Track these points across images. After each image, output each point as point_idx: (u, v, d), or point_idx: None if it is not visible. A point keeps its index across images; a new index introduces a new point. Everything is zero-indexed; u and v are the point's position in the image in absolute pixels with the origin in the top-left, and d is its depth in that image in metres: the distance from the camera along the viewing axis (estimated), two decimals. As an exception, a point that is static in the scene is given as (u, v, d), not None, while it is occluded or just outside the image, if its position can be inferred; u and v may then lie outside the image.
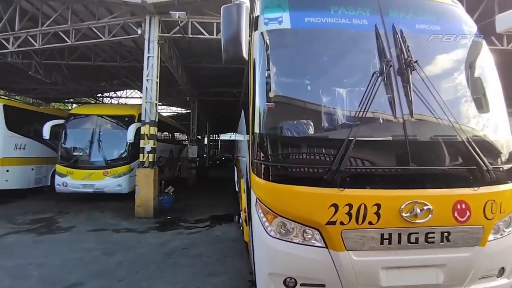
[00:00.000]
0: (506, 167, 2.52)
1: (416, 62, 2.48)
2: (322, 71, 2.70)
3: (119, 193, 8.98)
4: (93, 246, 4.97)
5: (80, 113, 9.99)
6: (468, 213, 2.32)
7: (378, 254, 2.27)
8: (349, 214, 2.21)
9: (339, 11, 2.72)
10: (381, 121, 2.46)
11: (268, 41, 2.61)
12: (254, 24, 2.80)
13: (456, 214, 2.30)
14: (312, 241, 2.28)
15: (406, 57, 2.51)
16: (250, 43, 2.77)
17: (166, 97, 16.74)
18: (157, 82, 7.42)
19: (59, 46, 8.52)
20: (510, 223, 2.55)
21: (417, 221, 2.23)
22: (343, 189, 2.21)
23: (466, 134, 2.37)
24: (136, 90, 17.83)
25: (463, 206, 2.32)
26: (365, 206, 2.21)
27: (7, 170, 9.29)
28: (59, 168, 9.15)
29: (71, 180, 8.94)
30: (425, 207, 2.23)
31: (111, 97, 19.53)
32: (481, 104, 2.72)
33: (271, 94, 2.46)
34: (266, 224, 2.36)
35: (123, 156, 9.28)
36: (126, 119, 9.53)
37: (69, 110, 14.60)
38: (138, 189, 7.11)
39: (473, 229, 2.35)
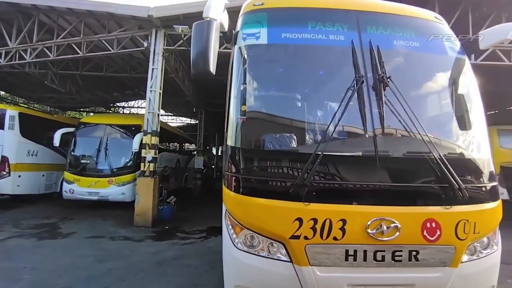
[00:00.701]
0: (481, 186, 2.47)
1: (389, 78, 2.46)
2: (295, 86, 2.75)
3: (123, 201, 9.17)
4: (88, 253, 5.07)
5: (90, 122, 10.34)
6: (438, 232, 2.27)
7: (343, 271, 2.23)
8: (313, 228, 2.20)
9: (316, 27, 2.73)
10: (351, 137, 2.46)
11: (244, 56, 2.68)
12: (234, 39, 2.89)
13: (425, 233, 2.25)
14: (278, 255, 2.27)
15: (379, 73, 2.48)
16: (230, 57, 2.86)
17: (175, 107, 17.10)
18: (160, 93, 7.64)
19: (72, 57, 8.94)
20: (489, 244, 2.48)
21: (383, 238, 2.19)
22: (308, 203, 2.21)
23: (439, 151, 2.31)
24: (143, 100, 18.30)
25: (433, 224, 2.27)
26: (330, 221, 2.20)
27: (19, 176, 9.64)
28: (67, 175, 9.43)
29: (77, 187, 9.18)
30: (392, 225, 2.20)
31: (123, 107, 20.12)
32: (458, 121, 2.68)
33: (243, 108, 2.52)
34: (234, 236, 2.38)
35: (128, 165, 9.48)
36: (133, 128, 9.77)
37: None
38: (138, 198, 7.25)
39: (444, 249, 2.28)
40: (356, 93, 2.44)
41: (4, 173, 9.32)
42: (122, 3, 8.68)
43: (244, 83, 2.60)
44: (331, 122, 2.35)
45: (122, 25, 8.22)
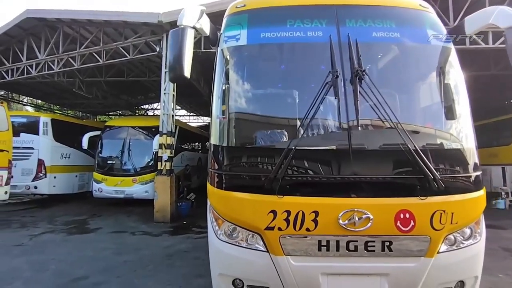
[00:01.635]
0: (459, 177, 2.44)
1: (364, 71, 2.47)
2: (272, 85, 2.84)
3: (147, 199, 9.69)
4: (108, 246, 5.51)
5: (114, 125, 10.99)
6: (412, 223, 2.28)
7: (317, 260, 2.32)
8: (287, 220, 2.30)
9: (295, 24, 2.75)
10: (325, 131, 2.52)
11: (225, 57, 2.81)
12: (218, 41, 3.03)
13: (398, 224, 2.27)
14: (256, 245, 2.40)
15: (355, 67, 2.50)
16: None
17: (196, 107, 17.56)
18: (174, 95, 7.99)
19: (94, 65, 9.54)
20: (471, 235, 2.45)
21: (355, 229, 2.23)
22: (282, 196, 2.32)
23: (415, 143, 2.29)
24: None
25: (407, 215, 2.28)
26: (302, 213, 2.29)
27: (55, 177, 10.50)
28: (95, 175, 10.13)
29: (105, 187, 9.84)
30: (364, 216, 2.24)
31: (148, 109, 21.02)
32: (438, 112, 2.65)
33: (223, 107, 2.67)
34: (216, 228, 2.55)
35: (150, 164, 9.97)
36: (153, 129, 10.21)
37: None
38: (157, 195, 7.67)
39: (418, 239, 2.29)
40: (331, 88, 2.45)
41: (41, 174, 10.19)
42: (138, 10, 9.07)
43: (225, 83, 2.73)
44: (306, 118, 2.39)
45: (137, 32, 8.66)
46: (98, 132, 10.72)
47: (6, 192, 7.95)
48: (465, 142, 2.54)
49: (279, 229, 2.31)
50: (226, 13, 3.07)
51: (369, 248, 2.29)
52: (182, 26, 2.51)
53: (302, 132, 2.42)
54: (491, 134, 11.48)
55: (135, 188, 9.68)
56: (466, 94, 2.68)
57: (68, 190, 11.12)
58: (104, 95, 13.93)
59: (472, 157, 2.49)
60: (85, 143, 10.35)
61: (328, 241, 2.30)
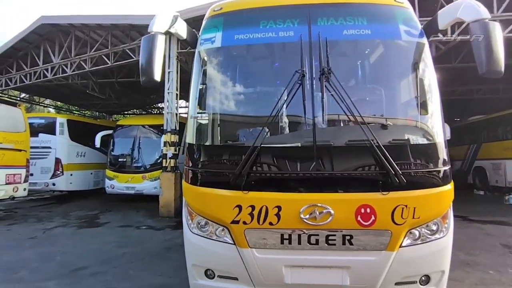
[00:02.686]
0: (423, 171, 2.47)
1: (329, 69, 2.52)
2: (242, 85, 2.94)
3: (156, 195, 10.04)
4: (112, 239, 5.82)
5: (124, 124, 11.42)
6: (373, 218, 2.33)
7: (280, 253, 2.41)
8: (251, 214, 2.42)
9: (267, 25, 2.80)
10: (291, 128, 2.61)
11: (201, 59, 2.93)
12: (196, 44, 3.16)
13: (359, 218, 2.33)
14: (224, 238, 2.53)
15: (322, 65, 2.55)
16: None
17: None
18: (177, 94, 8.23)
19: (104, 68, 9.93)
20: (437, 230, 2.48)
21: (316, 223, 2.32)
22: (247, 191, 2.45)
23: (377, 139, 2.32)
24: (182, 100, 19.37)
25: (368, 210, 2.33)
26: (266, 207, 2.40)
27: (71, 174, 11.06)
28: (108, 172, 10.59)
29: (116, 183, 10.28)
30: (325, 211, 2.31)
31: (161, 108, 21.51)
32: (404, 108, 2.68)
33: (196, 108, 2.82)
34: (189, 221, 2.70)
35: (159, 161, 10.26)
36: (162, 128, 10.56)
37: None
38: (162, 191, 7.97)
39: (379, 234, 2.34)
40: (297, 86, 2.53)
41: (59, 172, 10.75)
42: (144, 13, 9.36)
43: (198, 85, 2.87)
44: (272, 116, 2.48)
45: (143, 34, 8.83)
46: (110, 131, 11.15)
47: (25, 189, 8.48)
48: (432, 137, 2.55)
49: (244, 222, 2.43)
50: (205, 17, 3.20)
51: (330, 242, 2.36)
52: (153, 32, 2.66)
53: (268, 130, 2.51)
54: (506, 127, 11.05)
55: (145, 185, 10.04)
56: (437, 90, 2.67)
57: (84, 187, 11.67)
58: (117, 95, 14.45)
59: (438, 152, 2.50)
60: (97, 142, 10.81)
61: (290, 235, 2.39)
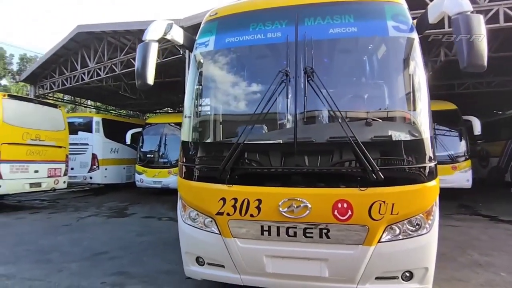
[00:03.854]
0: (401, 168, 2.48)
1: (312, 68, 2.56)
2: (231, 86, 3.11)
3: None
4: (135, 229, 6.32)
5: (152, 122, 12.12)
6: (349, 212, 2.38)
7: (260, 243, 2.56)
8: (234, 206, 2.60)
9: (257, 28, 2.91)
10: (274, 126, 2.75)
11: (195, 62, 3.15)
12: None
13: (336, 213, 2.40)
14: (212, 228, 2.74)
15: (305, 64, 2.61)
16: None
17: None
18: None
19: (132, 70, 10.58)
20: (420, 226, 2.48)
21: (294, 216, 2.44)
22: (231, 185, 2.64)
23: (355, 135, 2.36)
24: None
25: (345, 205, 2.39)
26: (248, 200, 2.57)
27: (106, 169, 11.99)
28: (137, 167, 11.33)
29: (145, 177, 10.99)
30: (302, 204, 2.42)
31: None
32: (389, 105, 2.68)
33: (189, 108, 3.06)
34: (182, 213, 2.95)
35: (183, 157, 10.84)
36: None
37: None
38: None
39: (356, 228, 2.39)
40: (281, 86, 2.63)
41: (95, 167, 11.70)
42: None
43: (191, 86, 3.11)
44: (257, 115, 2.61)
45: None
46: (139, 129, 11.89)
47: (64, 182, 9.39)
48: (414, 134, 2.54)
49: (228, 214, 2.63)
50: (202, 22, 3.42)
51: (307, 235, 2.48)
52: (146, 41, 2.93)
53: (252, 127, 2.66)
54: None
55: (171, 179, 10.60)
56: (425, 86, 2.64)
57: (117, 180, 12.57)
58: (147, 95, 15.27)
59: (421, 149, 2.49)
60: (128, 139, 11.60)
61: (269, 227, 2.55)
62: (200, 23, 3.37)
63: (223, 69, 3.17)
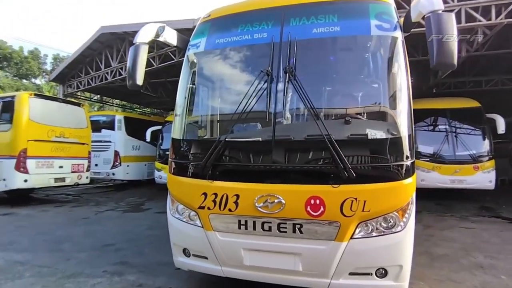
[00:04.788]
0: (374, 166, 2.47)
1: (292, 68, 2.61)
2: (217, 86, 3.19)
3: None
4: (146, 223, 6.58)
5: (171, 120, 12.45)
6: (322, 209, 2.42)
7: (238, 237, 2.65)
8: (214, 201, 2.69)
9: (245, 28, 2.99)
10: (254, 125, 2.80)
11: (187, 63, 3.27)
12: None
13: (309, 209, 2.44)
14: (196, 222, 2.84)
15: (287, 64, 2.66)
16: None
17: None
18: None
19: (150, 69, 10.95)
20: (395, 224, 2.45)
21: (268, 211, 2.51)
22: (212, 181, 2.72)
23: (330, 134, 2.39)
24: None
25: (317, 201, 2.43)
26: (226, 195, 2.65)
27: (128, 165, 12.49)
28: (156, 164, 11.71)
29: (164, 174, 11.30)
30: (276, 200, 2.48)
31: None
32: (364, 103, 2.68)
33: (179, 107, 3.16)
34: (171, 206, 3.08)
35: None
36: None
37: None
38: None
39: (328, 224, 2.43)
40: (262, 85, 2.71)
41: (117, 163, 12.23)
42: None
43: (182, 86, 3.22)
44: (238, 113, 2.70)
45: (181, 36, 9.67)
46: (159, 127, 12.28)
47: (87, 177, 9.92)
48: (391, 133, 2.52)
49: (208, 208, 2.73)
50: (197, 24, 3.51)
51: (281, 229, 2.53)
52: (137, 43, 3.06)
53: (234, 126, 2.76)
54: None
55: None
56: (406, 84, 2.62)
57: (138, 177, 13.06)
58: (168, 94, 15.67)
59: (395, 147, 2.48)
60: (148, 136, 12.01)
61: (246, 221, 2.62)
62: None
63: (211, 70, 3.26)
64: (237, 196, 2.62)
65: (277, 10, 2.99)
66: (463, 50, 7.58)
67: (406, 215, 2.46)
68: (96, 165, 11.95)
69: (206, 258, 2.85)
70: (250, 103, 2.67)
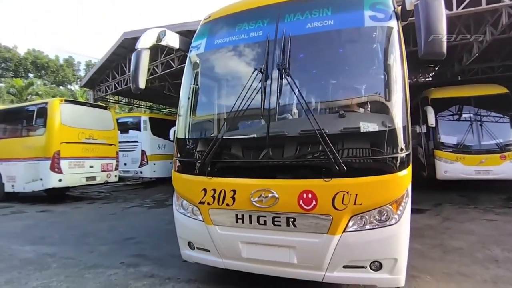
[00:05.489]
0: (366, 159, 2.47)
1: (285, 64, 2.65)
2: (215, 85, 3.30)
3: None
4: (167, 218, 6.81)
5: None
6: (314, 202, 2.47)
7: (236, 230, 2.77)
8: (213, 197, 2.82)
9: (242, 27, 3.07)
10: (250, 122, 2.89)
11: (189, 64, 3.41)
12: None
13: (301, 203, 2.50)
14: (198, 216, 2.99)
15: (279, 61, 2.71)
16: None
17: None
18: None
19: (170, 71, 11.38)
20: (389, 217, 2.45)
21: (263, 206, 2.60)
22: (211, 177, 2.86)
23: (321, 128, 2.43)
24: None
25: (309, 195, 2.49)
26: (224, 191, 2.77)
27: (154, 164, 13.07)
28: (179, 162, 12.15)
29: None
30: (270, 195, 2.57)
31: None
32: (357, 96, 2.66)
33: (182, 107, 3.33)
34: (176, 202, 3.26)
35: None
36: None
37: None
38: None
39: (320, 218, 2.48)
40: (258, 83, 2.78)
41: (144, 162, 12.84)
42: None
43: (184, 87, 3.38)
44: (235, 112, 2.80)
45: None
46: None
47: (116, 176, 10.51)
48: (385, 125, 2.52)
49: (208, 203, 2.87)
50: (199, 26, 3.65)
51: (275, 223, 2.62)
52: (138, 49, 3.25)
53: (231, 124, 2.88)
54: None
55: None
56: (401, 75, 2.59)
57: (165, 175, 13.57)
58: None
59: (388, 140, 2.47)
60: (171, 135, 12.39)
61: (243, 215, 2.73)
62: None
63: (210, 70, 3.39)
64: (234, 191, 2.74)
65: (272, 8, 3.04)
66: (487, 33, 7.13)
67: (401, 208, 2.45)
68: (125, 164, 12.65)
69: (208, 251, 3.00)
70: (246, 101, 2.75)
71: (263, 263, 2.73)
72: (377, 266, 2.48)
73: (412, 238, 4.74)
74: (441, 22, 2.21)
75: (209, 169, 2.85)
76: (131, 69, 3.27)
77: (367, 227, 2.46)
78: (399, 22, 2.71)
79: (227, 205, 2.77)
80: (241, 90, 2.83)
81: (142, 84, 3.21)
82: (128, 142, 12.85)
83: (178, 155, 3.25)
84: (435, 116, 8.53)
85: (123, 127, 12.89)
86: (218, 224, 2.86)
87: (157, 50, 11.71)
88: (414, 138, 11.66)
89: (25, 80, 27.67)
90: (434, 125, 8.54)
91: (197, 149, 3.15)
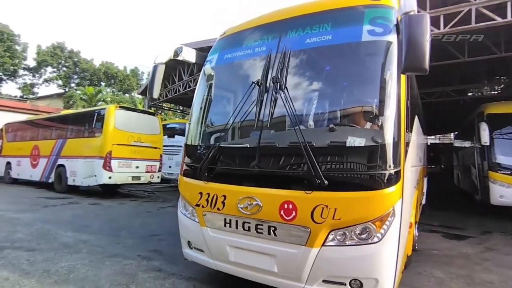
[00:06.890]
0: (346, 174, 2.44)
1: (279, 79, 2.78)
2: (219, 97, 3.50)
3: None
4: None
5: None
6: (294, 213, 2.50)
7: (224, 234, 2.89)
8: (207, 200, 3.00)
9: (249, 43, 3.26)
10: (246, 132, 3.02)
11: (203, 77, 3.70)
12: None
13: (282, 212, 2.55)
14: (195, 218, 3.20)
15: (276, 75, 2.83)
16: None
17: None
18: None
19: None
20: (371, 234, 2.37)
21: (248, 212, 2.70)
22: (207, 182, 3.04)
23: (306, 142, 2.47)
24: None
25: (290, 206, 2.52)
26: (216, 196, 2.93)
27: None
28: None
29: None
30: (255, 202, 2.66)
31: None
32: (347, 111, 2.60)
33: (191, 116, 3.60)
34: (180, 203, 3.51)
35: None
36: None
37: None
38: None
39: (298, 229, 2.49)
40: (255, 96, 2.93)
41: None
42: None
43: (195, 98, 3.66)
44: (232, 122, 3.02)
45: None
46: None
47: (158, 177, 11.34)
48: (373, 140, 2.46)
49: (202, 206, 3.06)
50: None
51: (258, 230, 2.70)
52: (155, 64, 3.62)
53: (228, 133, 3.06)
54: None
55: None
56: (395, 91, 2.52)
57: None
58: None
59: (375, 155, 2.42)
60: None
61: (230, 220, 2.87)
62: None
63: (217, 83, 3.62)
64: (224, 196, 2.89)
65: (278, 24, 3.18)
66: None
67: (384, 227, 2.36)
68: (169, 167, 13.53)
69: (202, 251, 3.18)
70: (242, 112, 2.93)
71: (247, 268, 2.81)
72: (358, 284, 2.39)
73: (437, 265, 4.43)
74: (424, 38, 2.14)
75: (205, 174, 3.04)
76: (148, 82, 3.65)
77: (348, 243, 2.41)
78: (399, 35, 2.63)
79: (218, 209, 2.92)
80: (239, 102, 3.01)
81: (156, 95, 3.58)
82: (174, 146, 13.74)
83: (183, 160, 3.51)
84: (492, 134, 7.71)
85: (171, 132, 13.87)
86: (210, 226, 3.02)
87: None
88: (468, 157, 10.58)
89: (96, 88, 31.34)
90: (487, 144, 7.71)
91: (198, 155, 3.37)
